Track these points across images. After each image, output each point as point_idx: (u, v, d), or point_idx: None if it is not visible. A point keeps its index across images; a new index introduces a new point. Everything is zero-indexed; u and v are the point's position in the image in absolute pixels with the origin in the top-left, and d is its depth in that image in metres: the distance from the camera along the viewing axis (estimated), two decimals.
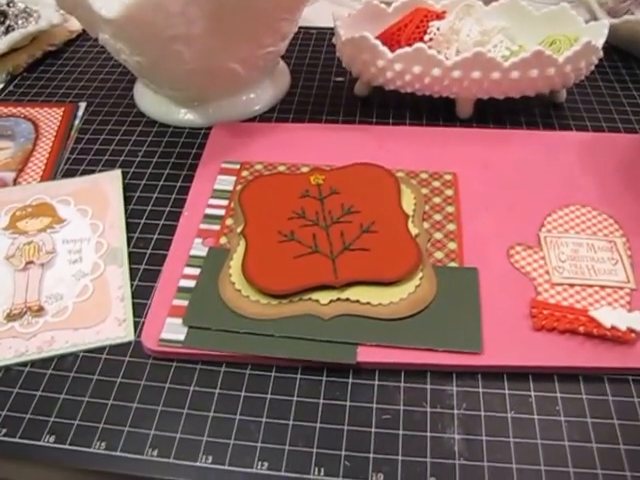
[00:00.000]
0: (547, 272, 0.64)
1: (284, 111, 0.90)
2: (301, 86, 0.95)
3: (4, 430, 0.56)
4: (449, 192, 0.73)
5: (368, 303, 0.61)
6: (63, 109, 0.91)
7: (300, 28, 1.00)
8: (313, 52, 1.03)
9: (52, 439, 0.55)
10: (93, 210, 0.74)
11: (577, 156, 0.78)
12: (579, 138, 0.81)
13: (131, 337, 0.62)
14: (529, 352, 0.58)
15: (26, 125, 0.88)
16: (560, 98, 0.89)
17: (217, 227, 0.70)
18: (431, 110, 0.88)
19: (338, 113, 0.89)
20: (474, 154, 0.78)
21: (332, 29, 0.86)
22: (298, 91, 0.94)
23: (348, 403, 0.56)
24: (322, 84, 0.96)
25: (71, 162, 0.82)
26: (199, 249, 0.68)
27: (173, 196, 0.77)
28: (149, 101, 0.90)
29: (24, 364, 0.60)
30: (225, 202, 0.73)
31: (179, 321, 0.61)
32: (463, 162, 0.77)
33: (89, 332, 0.62)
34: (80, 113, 0.91)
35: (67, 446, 0.55)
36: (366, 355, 0.58)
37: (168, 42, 0.72)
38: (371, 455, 0.53)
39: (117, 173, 0.79)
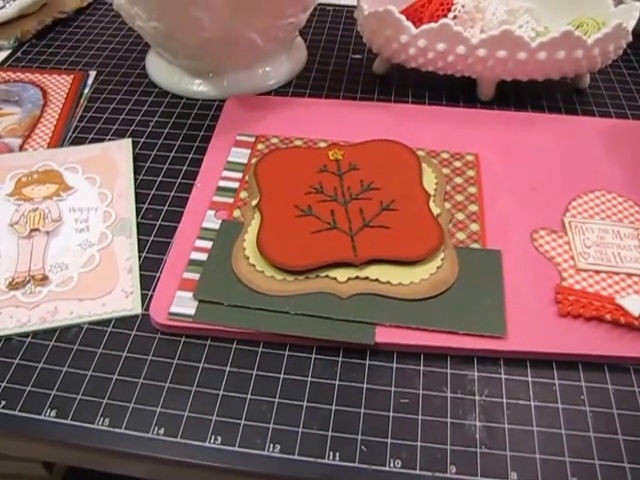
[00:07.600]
0: (572, 258, 0.62)
1: (300, 86, 0.88)
2: (318, 62, 0.93)
3: (3, 402, 0.54)
4: (471, 173, 0.71)
5: (388, 282, 0.59)
6: (72, 77, 0.89)
7: (317, 4, 0.98)
8: (330, 29, 1.01)
9: (53, 413, 0.53)
10: (102, 179, 0.72)
11: (601, 142, 0.76)
12: (603, 124, 0.80)
13: (138, 310, 0.60)
14: (554, 339, 0.56)
15: (34, 91, 0.86)
16: (583, 84, 0.87)
17: (231, 200, 0.68)
18: (451, 91, 0.86)
19: (356, 91, 0.87)
20: (496, 136, 0.77)
21: (349, 7, 0.84)
22: (315, 67, 0.92)
23: (365, 385, 0.55)
24: (339, 61, 0.94)
25: (80, 130, 0.81)
26: (211, 221, 0.66)
27: (184, 168, 0.75)
28: (162, 71, 0.88)
29: (26, 334, 0.59)
30: (239, 175, 0.71)
31: (189, 295, 0.59)
32: (485, 144, 0.75)
33: (95, 303, 0.60)
34: (90, 81, 0.89)
35: (69, 421, 0.53)
36: (384, 336, 0.56)
37: (187, 7, 0.71)
38: (389, 440, 0.51)
39: (127, 142, 0.77)
